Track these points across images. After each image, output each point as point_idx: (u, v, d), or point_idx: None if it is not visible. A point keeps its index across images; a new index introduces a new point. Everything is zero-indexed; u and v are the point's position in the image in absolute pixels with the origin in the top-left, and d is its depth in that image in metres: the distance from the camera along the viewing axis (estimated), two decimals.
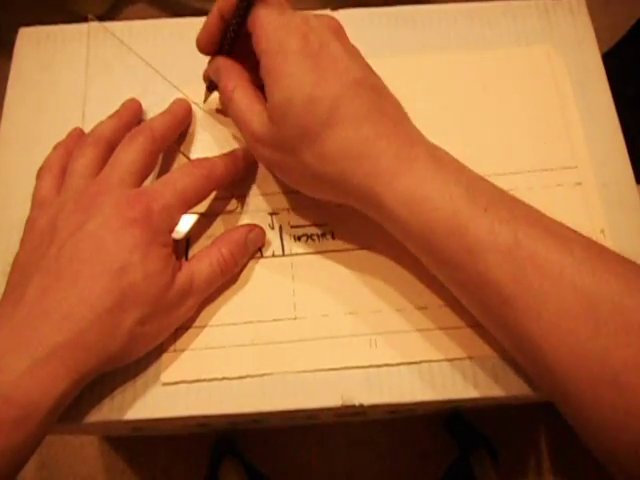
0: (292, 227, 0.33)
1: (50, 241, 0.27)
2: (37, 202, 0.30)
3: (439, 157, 0.27)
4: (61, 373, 0.25)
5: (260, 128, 0.28)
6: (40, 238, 0.28)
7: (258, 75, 0.29)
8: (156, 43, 0.38)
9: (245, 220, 0.33)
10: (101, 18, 0.38)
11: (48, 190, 0.30)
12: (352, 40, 0.37)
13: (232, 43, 0.31)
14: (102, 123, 0.32)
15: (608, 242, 0.32)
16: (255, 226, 0.32)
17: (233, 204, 0.33)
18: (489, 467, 0.76)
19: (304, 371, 0.29)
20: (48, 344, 0.25)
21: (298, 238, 0.33)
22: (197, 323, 0.30)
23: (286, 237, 0.33)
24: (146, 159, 0.30)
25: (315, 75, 0.26)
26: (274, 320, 0.31)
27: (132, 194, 0.28)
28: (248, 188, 0.34)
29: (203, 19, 0.38)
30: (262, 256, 0.32)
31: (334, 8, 0.38)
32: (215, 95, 0.35)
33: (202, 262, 0.30)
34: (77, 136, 0.34)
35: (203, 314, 0.31)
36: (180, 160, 0.35)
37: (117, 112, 0.34)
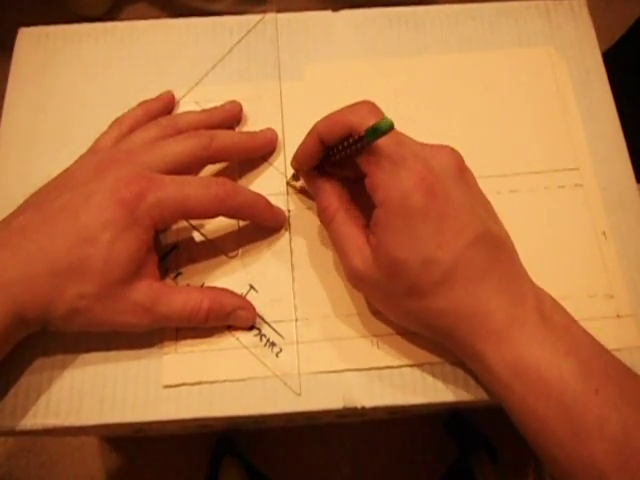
0: (294, 227, 0.33)
1: (64, 185, 0.28)
2: (92, 148, 0.31)
3: (548, 315, 0.26)
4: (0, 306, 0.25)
5: (362, 267, 0.27)
6: (63, 180, 0.29)
7: (354, 194, 0.29)
8: (156, 43, 0.38)
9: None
10: (101, 18, 0.38)
11: (106, 142, 0.31)
12: (352, 40, 0.37)
13: (333, 165, 0.29)
14: (192, 114, 0.33)
15: (610, 244, 0.32)
16: (250, 307, 0.30)
17: None
18: (488, 467, 0.76)
19: (306, 373, 0.29)
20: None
21: (300, 240, 0.32)
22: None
23: (287, 238, 0.32)
24: (187, 160, 0.30)
25: (438, 237, 0.25)
26: (275, 322, 0.30)
27: (137, 174, 0.28)
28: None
29: (203, 19, 0.38)
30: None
31: (335, 8, 0.38)
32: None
33: (177, 297, 0.28)
34: (166, 101, 0.34)
35: None
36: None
37: (211, 110, 0.34)
